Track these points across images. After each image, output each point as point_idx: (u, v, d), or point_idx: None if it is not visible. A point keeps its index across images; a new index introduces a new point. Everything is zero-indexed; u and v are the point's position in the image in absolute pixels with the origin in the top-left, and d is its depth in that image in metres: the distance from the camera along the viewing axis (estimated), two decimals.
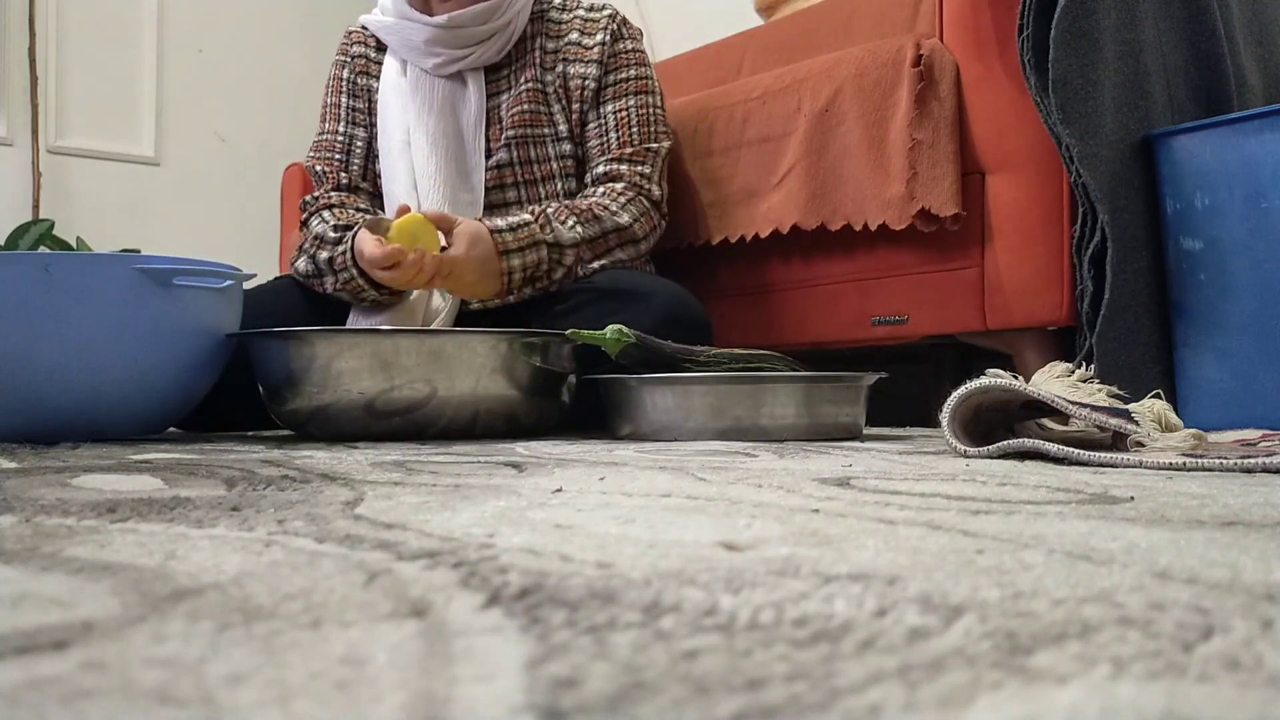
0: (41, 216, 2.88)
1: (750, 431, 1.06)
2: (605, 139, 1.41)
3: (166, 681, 0.21)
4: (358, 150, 1.45)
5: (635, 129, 1.40)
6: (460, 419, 1.08)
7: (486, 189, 1.40)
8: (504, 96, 1.42)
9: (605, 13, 1.46)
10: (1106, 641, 0.24)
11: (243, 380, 1.16)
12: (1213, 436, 0.96)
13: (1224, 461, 0.70)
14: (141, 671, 0.21)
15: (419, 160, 1.37)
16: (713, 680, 0.21)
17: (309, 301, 1.37)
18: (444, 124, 1.38)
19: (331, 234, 1.33)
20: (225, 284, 1.06)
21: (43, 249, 2.71)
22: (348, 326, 1.31)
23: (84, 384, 0.98)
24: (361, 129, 1.46)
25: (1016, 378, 0.82)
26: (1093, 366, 1.03)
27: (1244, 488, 0.58)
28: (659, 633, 0.24)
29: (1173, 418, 0.86)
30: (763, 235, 1.48)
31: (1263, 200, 1.16)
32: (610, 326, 1.10)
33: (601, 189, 1.37)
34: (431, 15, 1.38)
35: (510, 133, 1.39)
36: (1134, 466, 0.73)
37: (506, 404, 1.10)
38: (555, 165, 1.41)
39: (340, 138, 1.45)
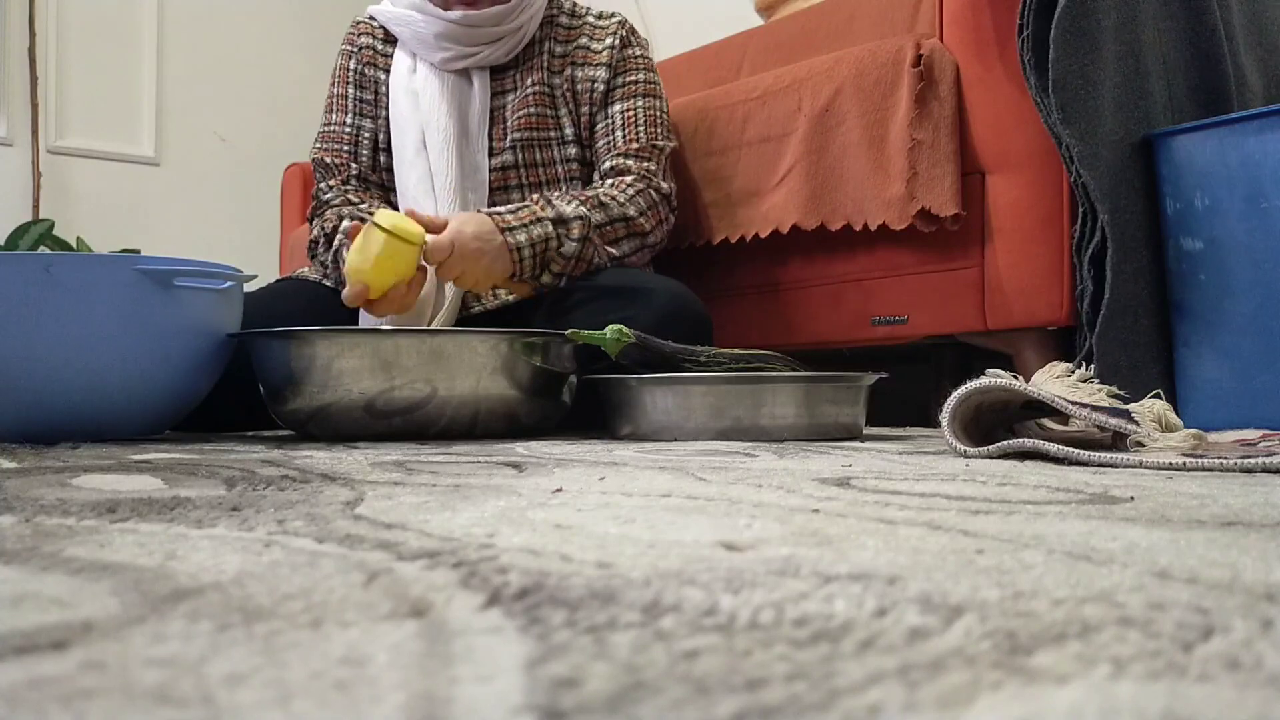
0: (41, 216, 2.88)
1: (750, 431, 1.06)
2: (612, 137, 1.42)
3: (166, 681, 0.21)
4: (365, 141, 1.44)
5: (642, 128, 1.41)
6: (461, 419, 1.08)
7: (491, 189, 1.40)
8: (509, 97, 1.42)
9: (615, 19, 1.47)
10: (1106, 641, 0.24)
11: (243, 380, 1.16)
12: (1213, 436, 0.96)
13: (1224, 461, 0.70)
14: (141, 671, 0.21)
15: (434, 159, 1.37)
16: (713, 680, 0.21)
17: (316, 301, 1.37)
18: (452, 122, 1.39)
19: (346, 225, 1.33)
20: (225, 285, 1.06)
21: (43, 249, 2.71)
22: (358, 326, 1.31)
23: (84, 384, 0.98)
24: (369, 120, 1.45)
25: (1016, 378, 0.82)
26: (1093, 366, 1.03)
27: (1244, 488, 0.58)
28: (659, 633, 0.24)
29: (1173, 418, 0.86)
30: (763, 235, 1.48)
31: (1263, 200, 1.16)
32: (610, 326, 1.10)
33: (610, 182, 1.38)
34: (447, 10, 1.38)
35: (516, 135, 1.40)
36: (1134, 466, 0.73)
37: (507, 404, 1.10)
38: (560, 169, 1.42)
39: (348, 129, 1.45)
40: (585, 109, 1.43)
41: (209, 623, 0.26)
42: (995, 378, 0.81)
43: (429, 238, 1.18)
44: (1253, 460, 0.69)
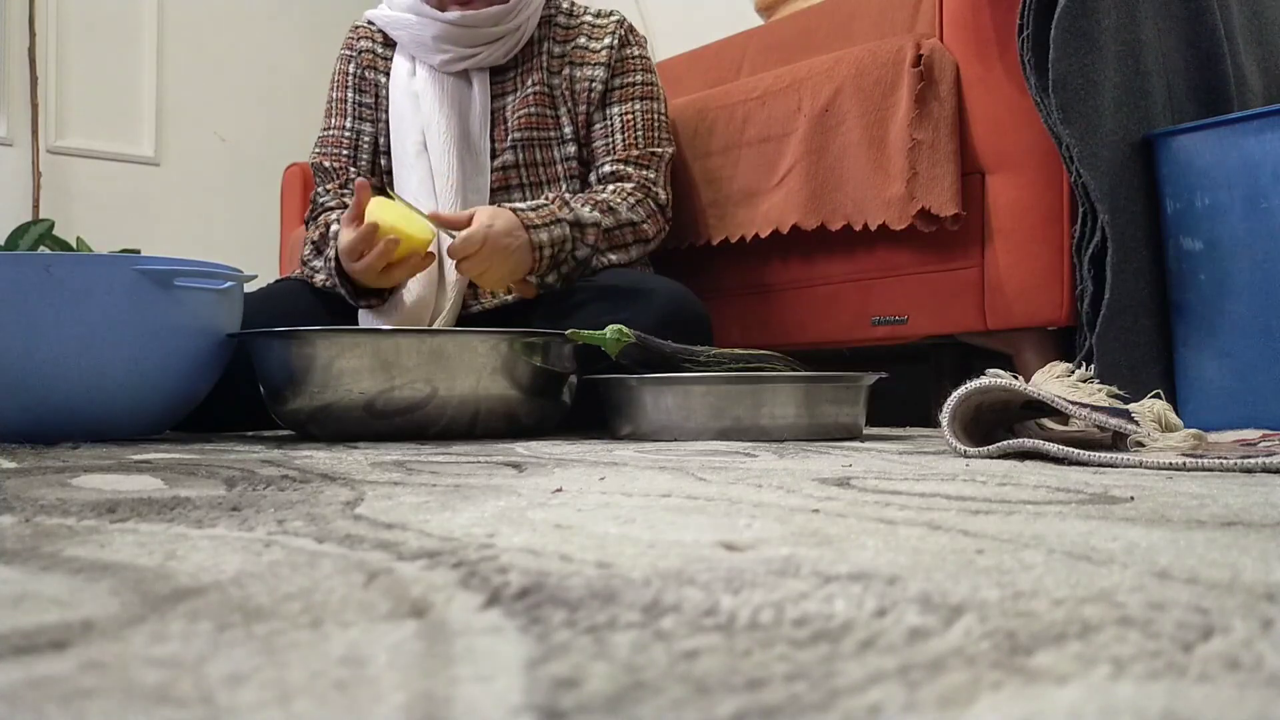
0: (41, 216, 2.88)
1: (750, 431, 1.06)
2: (610, 140, 1.42)
3: (166, 681, 0.21)
4: (365, 146, 1.44)
5: (640, 132, 1.41)
6: (461, 419, 1.08)
7: (492, 189, 1.40)
8: (509, 98, 1.42)
9: (613, 18, 1.47)
10: (1106, 641, 0.24)
11: (243, 380, 1.16)
12: (1213, 436, 0.96)
13: (1224, 461, 0.70)
14: (141, 671, 0.21)
15: (435, 160, 1.37)
16: (713, 680, 0.21)
17: (316, 302, 1.37)
18: (453, 123, 1.39)
19: (330, 234, 1.33)
20: (225, 285, 1.06)
21: (43, 249, 2.71)
22: (358, 326, 1.31)
23: (84, 384, 0.98)
24: (369, 124, 1.45)
25: (1016, 378, 0.82)
26: (1093, 366, 1.03)
27: (1244, 488, 0.58)
28: (659, 633, 0.24)
29: (1173, 418, 0.86)
30: (763, 235, 1.48)
31: (1263, 200, 1.16)
32: (610, 326, 1.10)
33: (611, 187, 1.38)
34: (443, 10, 1.38)
35: (516, 135, 1.40)
36: (1134, 466, 0.73)
37: (507, 404, 1.10)
38: (560, 168, 1.42)
39: (347, 133, 1.45)
40: (583, 108, 1.43)
41: (209, 623, 0.26)
42: (995, 378, 0.81)
43: (457, 234, 1.19)
44: (1253, 460, 0.69)
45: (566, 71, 1.43)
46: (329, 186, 1.43)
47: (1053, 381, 0.88)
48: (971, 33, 1.33)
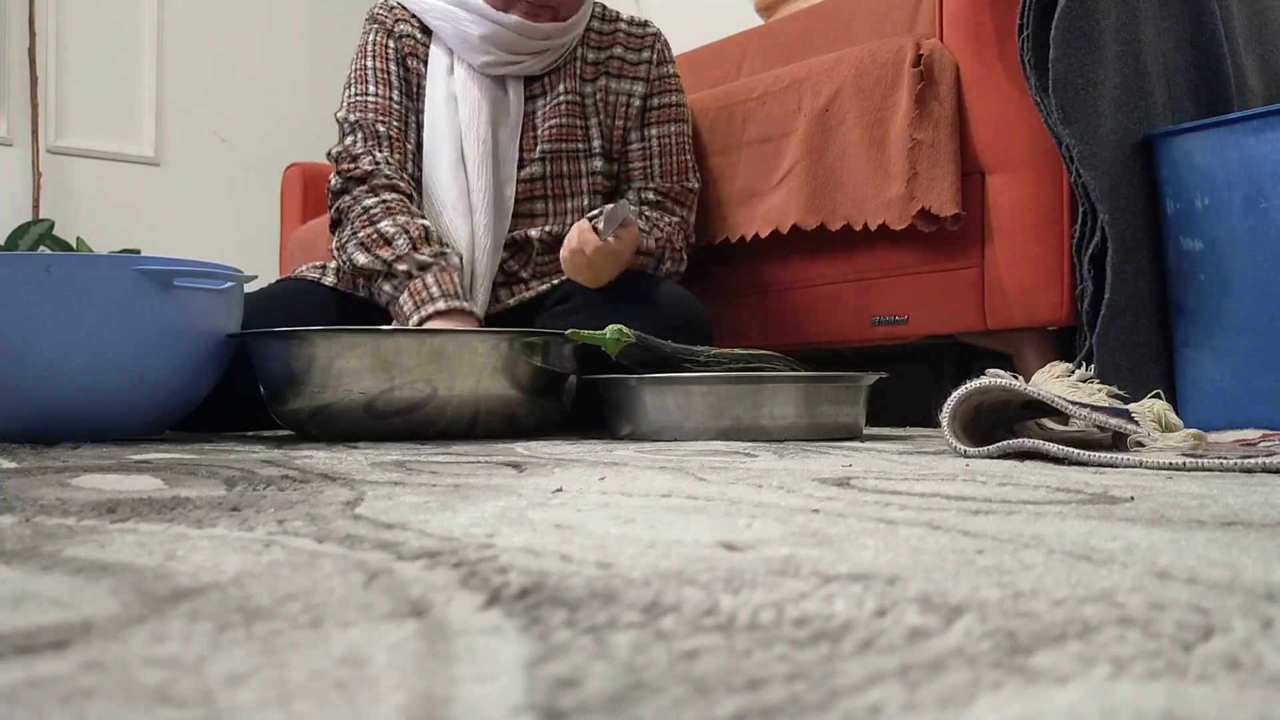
0: (41, 216, 2.88)
1: (750, 431, 1.06)
2: (649, 164, 1.44)
3: (166, 681, 0.21)
4: (414, 125, 1.36)
5: (675, 158, 1.45)
6: (461, 419, 1.08)
7: (516, 200, 1.37)
8: (539, 104, 1.39)
9: (650, 30, 1.47)
10: (1106, 641, 0.24)
11: (244, 380, 1.16)
12: (1213, 436, 0.96)
13: (1224, 461, 0.70)
14: (141, 671, 0.21)
15: (472, 169, 1.33)
16: (713, 680, 0.21)
17: (318, 302, 1.35)
18: (490, 131, 1.35)
19: (416, 254, 1.24)
20: (226, 285, 1.06)
21: (43, 249, 2.71)
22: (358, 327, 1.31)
23: (84, 384, 0.98)
24: (414, 103, 1.37)
25: (1016, 378, 0.82)
26: (1093, 366, 1.03)
27: (1244, 488, 0.58)
28: (659, 633, 0.24)
29: (1173, 418, 0.86)
30: (763, 235, 1.48)
31: (1263, 200, 1.16)
32: (610, 326, 1.10)
33: (668, 221, 1.42)
34: (506, 12, 1.32)
35: (545, 146, 1.37)
36: (1134, 466, 0.73)
37: (507, 404, 1.10)
38: (585, 181, 1.40)
39: (398, 105, 1.35)
40: (620, 122, 1.42)
41: (209, 623, 0.26)
42: (995, 378, 0.81)
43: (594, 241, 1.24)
44: (1253, 460, 0.69)
45: (602, 82, 1.41)
46: (383, 155, 1.31)
47: (1053, 381, 0.88)
48: (971, 33, 1.33)
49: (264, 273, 1.50)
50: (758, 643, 0.24)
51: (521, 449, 0.92)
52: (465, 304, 1.22)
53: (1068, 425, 0.92)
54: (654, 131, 1.43)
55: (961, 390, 0.82)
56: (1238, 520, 0.44)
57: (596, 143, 1.41)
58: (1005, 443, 0.80)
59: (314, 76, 3.30)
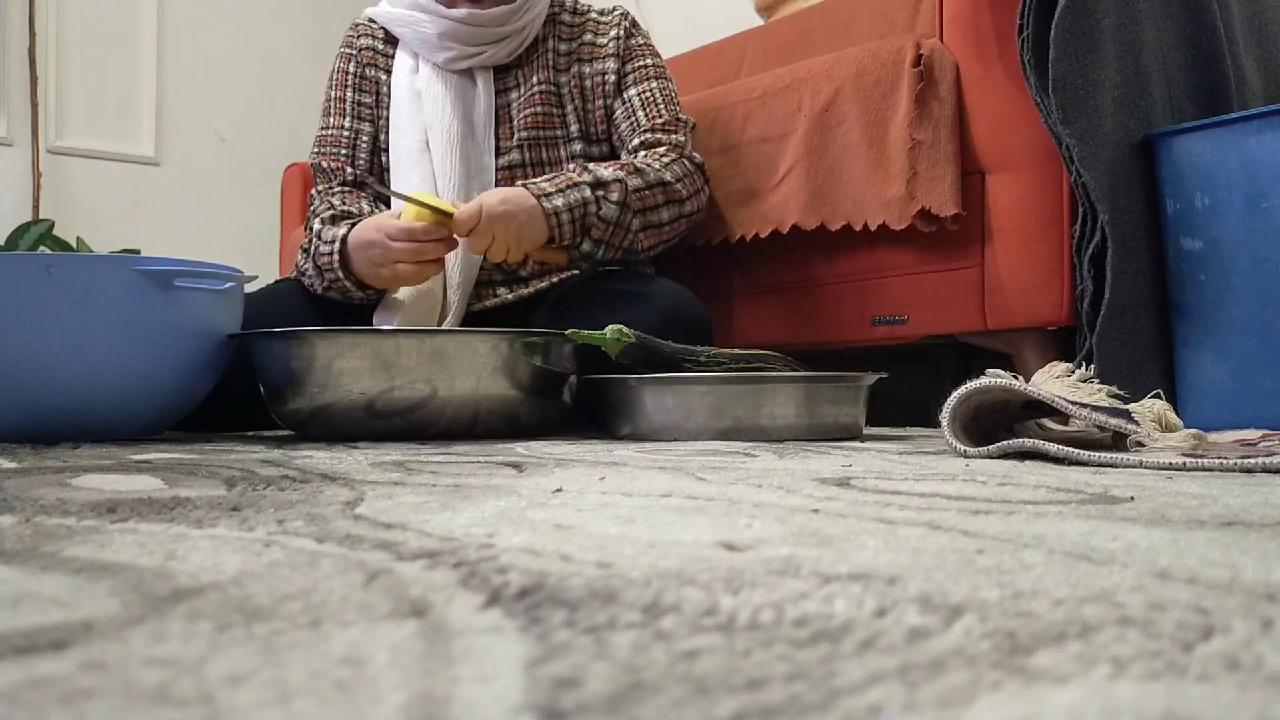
0: (41, 216, 2.88)
1: (750, 431, 1.06)
2: (634, 119, 1.42)
3: (166, 681, 0.21)
4: (363, 145, 1.44)
5: (662, 105, 1.43)
6: (461, 419, 1.08)
7: (496, 187, 1.40)
8: (514, 95, 1.42)
9: (615, 12, 1.48)
10: (1106, 641, 0.24)
11: (244, 381, 1.16)
12: (1213, 436, 0.96)
13: (1224, 461, 0.70)
14: (141, 671, 0.21)
15: (438, 160, 1.37)
16: (713, 680, 0.21)
17: (315, 303, 1.37)
18: (457, 122, 1.38)
19: (329, 229, 1.33)
20: (226, 285, 1.06)
21: (43, 249, 2.71)
22: (370, 326, 1.31)
23: (84, 385, 0.98)
24: (368, 124, 1.44)
25: (1016, 378, 0.82)
26: (1093, 366, 1.03)
27: (1244, 488, 0.58)
28: (659, 633, 0.24)
29: (1173, 418, 0.86)
30: (763, 235, 1.48)
31: (1263, 200, 1.16)
32: (610, 326, 1.10)
33: (643, 153, 1.39)
34: (452, 8, 1.38)
35: (523, 134, 1.40)
36: (1134, 466, 0.73)
37: (507, 404, 1.10)
38: (566, 166, 1.42)
39: (346, 133, 1.44)
40: (599, 103, 1.43)
41: (209, 623, 0.26)
42: (995, 378, 0.81)
43: (457, 212, 1.20)
44: (1253, 460, 0.69)
45: (575, 69, 1.43)
46: (322, 187, 1.42)
47: (1053, 381, 0.88)
48: (971, 33, 1.33)
49: (264, 273, 1.50)
50: (758, 643, 0.24)
51: (521, 449, 0.92)
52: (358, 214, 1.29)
53: (1068, 425, 0.92)
54: (632, 91, 1.43)
55: (961, 390, 0.82)
56: (1238, 520, 0.44)
57: (574, 128, 1.42)
58: (1005, 443, 0.80)
59: (314, 76, 3.29)
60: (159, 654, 0.23)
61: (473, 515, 0.45)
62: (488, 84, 1.41)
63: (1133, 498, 0.52)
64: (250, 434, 1.24)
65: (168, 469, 0.68)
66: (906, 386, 1.49)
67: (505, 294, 1.38)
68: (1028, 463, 0.77)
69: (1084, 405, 0.80)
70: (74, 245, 2.84)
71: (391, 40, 1.46)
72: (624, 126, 1.43)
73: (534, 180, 1.27)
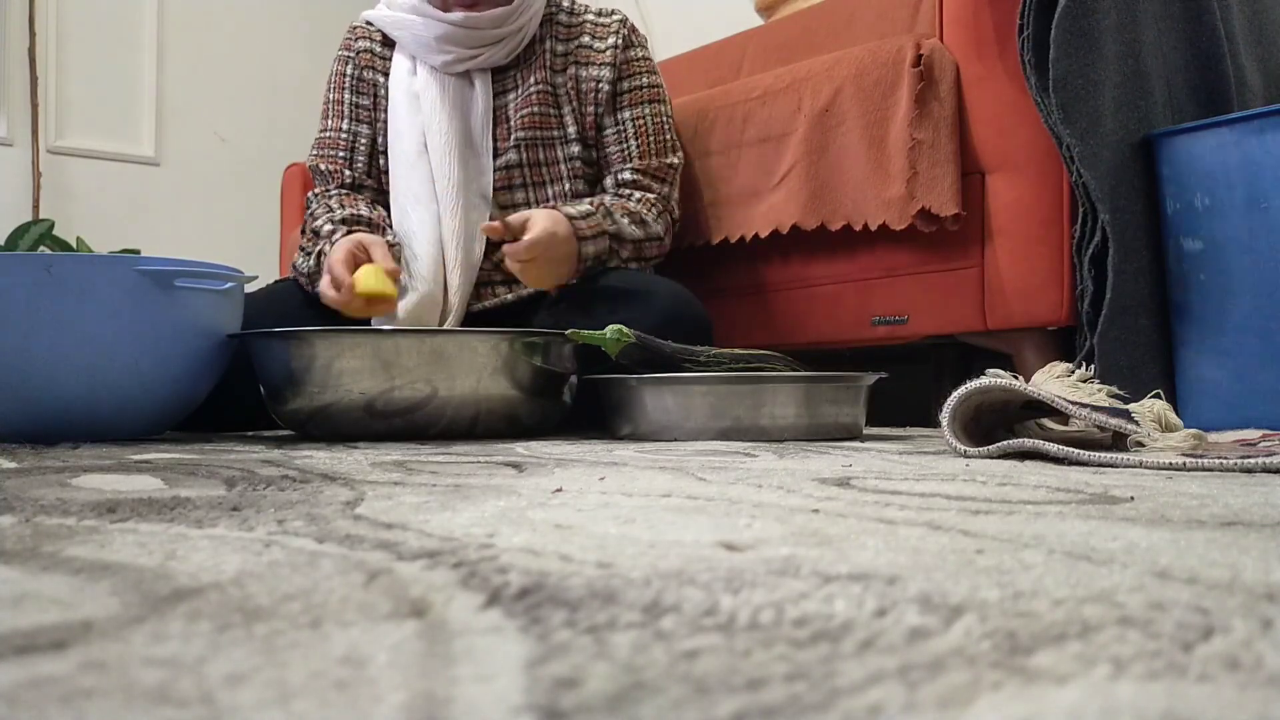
0: (41, 216, 2.88)
1: (750, 431, 1.06)
2: (625, 146, 1.43)
3: (166, 681, 0.21)
4: (362, 147, 1.44)
5: (653, 139, 1.43)
6: (461, 419, 1.08)
7: (495, 189, 1.40)
8: (510, 96, 1.42)
9: (615, 18, 1.47)
10: (1106, 641, 0.24)
11: (244, 381, 1.16)
12: (1213, 436, 0.96)
13: (1224, 461, 0.70)
14: (141, 671, 0.21)
15: (436, 161, 1.37)
16: (713, 680, 0.21)
17: (314, 303, 1.36)
18: (455, 125, 1.38)
19: (328, 229, 1.33)
20: (226, 285, 1.06)
21: (43, 249, 2.71)
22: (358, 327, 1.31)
23: (84, 385, 0.98)
24: (366, 126, 1.44)
25: (1016, 378, 0.82)
26: (1093, 366, 1.03)
27: (1244, 488, 0.58)
28: (659, 633, 0.24)
29: (1173, 418, 0.86)
30: (763, 235, 1.48)
31: (1263, 200, 1.16)
32: (610, 326, 1.10)
33: (637, 195, 1.40)
34: (447, 11, 1.38)
35: (520, 134, 1.40)
36: (1134, 466, 0.73)
37: (507, 404, 1.10)
38: (564, 167, 1.42)
39: (344, 135, 1.44)
40: (591, 108, 1.43)
41: (209, 623, 0.26)
42: (995, 378, 0.81)
43: (524, 239, 1.21)
44: (1253, 460, 0.69)
45: (571, 70, 1.43)
46: (319, 190, 1.42)
47: (1053, 381, 0.88)
48: (971, 33, 1.33)
49: (264, 273, 1.50)
50: (758, 643, 0.24)
51: (521, 449, 0.92)
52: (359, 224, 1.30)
53: (1068, 425, 0.92)
54: (627, 115, 1.43)
55: (961, 390, 0.82)
56: (1238, 520, 0.44)
57: (571, 129, 1.42)
58: (1005, 443, 0.80)
59: (314, 76, 3.28)
60: (159, 654, 0.23)
61: (473, 515, 0.45)
62: (485, 86, 1.41)
63: (1133, 498, 0.52)
64: (250, 434, 1.24)
65: (168, 469, 0.68)
66: (906, 386, 1.49)
67: (505, 294, 1.38)
68: (1028, 463, 0.77)
69: (1084, 405, 0.80)
70: (74, 245, 2.84)
71: (389, 43, 1.46)
72: (613, 150, 1.43)
73: (572, 214, 1.28)
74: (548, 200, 1.42)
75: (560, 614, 0.26)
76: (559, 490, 0.55)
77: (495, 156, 1.40)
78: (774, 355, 1.16)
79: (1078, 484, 0.60)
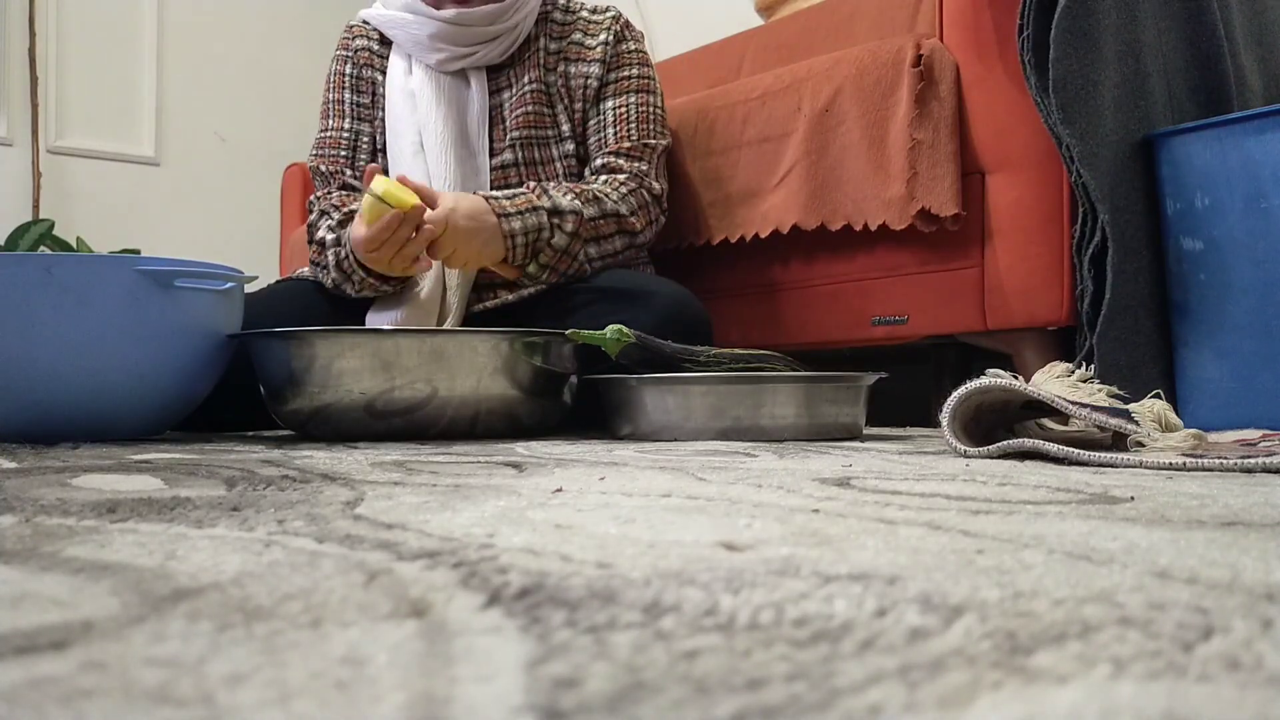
0: (41, 216, 2.88)
1: (750, 431, 1.06)
2: (602, 134, 1.41)
3: (166, 681, 0.21)
4: (363, 146, 1.44)
5: (634, 125, 1.41)
6: (461, 419, 1.08)
7: (492, 188, 1.40)
8: (506, 95, 1.42)
9: (609, 14, 1.47)
10: (1106, 641, 0.24)
11: (244, 381, 1.16)
12: (1213, 436, 0.96)
13: (1224, 461, 0.70)
14: (141, 671, 0.21)
15: (432, 160, 1.37)
16: (713, 680, 0.21)
17: (318, 302, 1.37)
18: (451, 123, 1.38)
19: (331, 236, 1.33)
20: (226, 285, 1.06)
21: (43, 249, 2.71)
22: (366, 325, 1.31)
23: (84, 385, 0.98)
24: (366, 124, 1.44)
25: (1016, 378, 0.82)
26: (1093, 366, 1.03)
27: (1244, 488, 0.58)
28: (659, 633, 0.24)
29: (1173, 418, 0.86)
30: (763, 235, 1.48)
31: (1263, 200, 1.16)
32: (610, 326, 1.10)
33: (603, 178, 1.38)
34: (439, 9, 1.38)
35: (515, 134, 1.39)
36: (1134, 466, 0.73)
37: (507, 404, 1.10)
38: (559, 166, 1.41)
39: (346, 134, 1.44)
40: (579, 104, 1.42)
41: (209, 623, 0.26)
42: (995, 378, 0.81)
43: (425, 216, 1.19)
44: (1253, 460, 0.69)
45: (562, 68, 1.42)
46: (320, 193, 1.41)
47: (1053, 381, 0.88)
48: (971, 33, 1.33)
49: (264, 273, 1.50)
50: (758, 643, 0.24)
51: (521, 449, 0.92)
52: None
53: (1068, 425, 0.92)
54: (608, 104, 1.42)
55: (961, 390, 0.82)
56: (1238, 520, 0.44)
57: (565, 127, 1.42)
58: (1005, 443, 0.80)
59: (314, 76, 3.28)
60: (159, 654, 0.23)
61: (473, 515, 0.45)
62: (481, 85, 1.41)
63: (1133, 498, 0.52)
64: (250, 434, 1.24)
65: (168, 469, 0.68)
66: (906, 386, 1.49)
67: (506, 295, 1.38)
68: (1028, 463, 0.77)
69: (1084, 405, 0.80)
70: (74, 245, 2.84)
71: (386, 41, 1.46)
72: (592, 140, 1.42)
73: (496, 195, 1.27)
74: None
75: (560, 614, 0.26)
76: (559, 490, 0.55)
77: (492, 156, 1.40)
78: (774, 355, 1.16)
79: (1078, 484, 0.60)
